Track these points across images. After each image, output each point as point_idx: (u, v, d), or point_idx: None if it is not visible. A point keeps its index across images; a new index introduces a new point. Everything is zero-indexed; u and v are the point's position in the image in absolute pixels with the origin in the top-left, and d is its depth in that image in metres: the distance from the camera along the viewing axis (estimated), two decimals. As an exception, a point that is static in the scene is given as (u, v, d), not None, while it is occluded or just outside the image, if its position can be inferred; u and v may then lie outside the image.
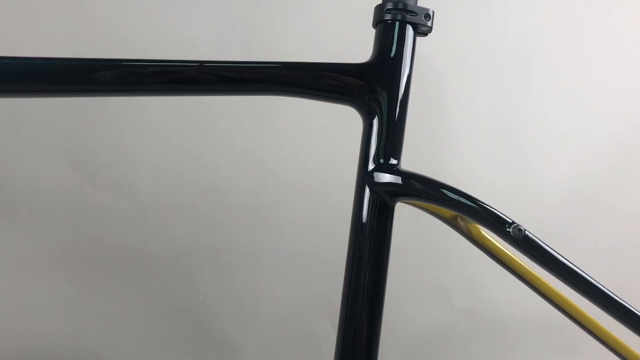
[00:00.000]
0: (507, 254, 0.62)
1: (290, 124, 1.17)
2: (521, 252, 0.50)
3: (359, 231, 0.54)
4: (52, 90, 0.51)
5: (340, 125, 1.15)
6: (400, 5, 0.54)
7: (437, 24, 0.57)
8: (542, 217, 1.31)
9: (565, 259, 0.50)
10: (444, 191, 0.51)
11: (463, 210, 0.50)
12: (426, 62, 1.20)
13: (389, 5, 0.54)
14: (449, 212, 0.59)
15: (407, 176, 0.52)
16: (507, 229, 0.49)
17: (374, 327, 0.54)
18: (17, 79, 0.48)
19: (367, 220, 0.53)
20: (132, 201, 1.11)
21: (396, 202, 0.53)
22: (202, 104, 1.13)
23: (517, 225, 0.49)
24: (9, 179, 1.07)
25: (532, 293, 1.29)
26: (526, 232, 0.49)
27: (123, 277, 1.12)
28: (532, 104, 1.30)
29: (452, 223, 0.60)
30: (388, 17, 0.54)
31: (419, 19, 0.54)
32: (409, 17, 0.53)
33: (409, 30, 0.54)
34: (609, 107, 1.35)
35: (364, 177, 0.54)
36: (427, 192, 0.52)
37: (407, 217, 1.21)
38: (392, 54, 0.53)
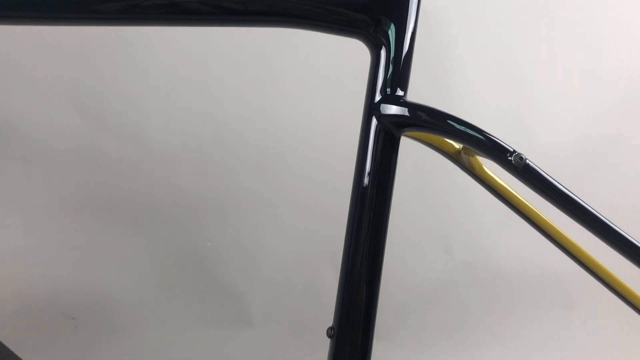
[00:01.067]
0: (509, 190, 0.63)
1: (296, 75, 1.18)
2: (522, 181, 0.51)
3: (364, 163, 0.55)
4: (53, 18, 0.50)
5: (345, 77, 1.16)
6: None
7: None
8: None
9: (565, 188, 0.51)
10: (450, 122, 0.52)
11: (467, 141, 0.51)
12: (433, 15, 1.20)
13: None
14: (452, 147, 0.60)
15: (414, 107, 0.53)
16: (509, 158, 0.50)
17: (375, 263, 0.55)
18: (18, 4, 0.48)
19: (372, 152, 0.54)
20: (140, 149, 1.13)
21: (402, 134, 0.54)
22: (209, 53, 1.14)
23: (519, 154, 0.50)
24: (20, 124, 1.08)
25: (532, 247, 1.31)
26: (527, 160, 0.50)
27: (131, 224, 1.14)
28: (537, 61, 1.30)
29: (455, 158, 0.61)
30: (396, -53, 0.54)
31: (428, -49, 0.54)
32: (417, -52, 0.53)
33: (418, -40, 0.54)
34: (614, 65, 1.35)
35: (371, 109, 0.54)
36: (434, 122, 0.53)
37: (409, 170, 1.22)
38: (400, -16, 0.53)
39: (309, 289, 1.23)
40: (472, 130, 0.51)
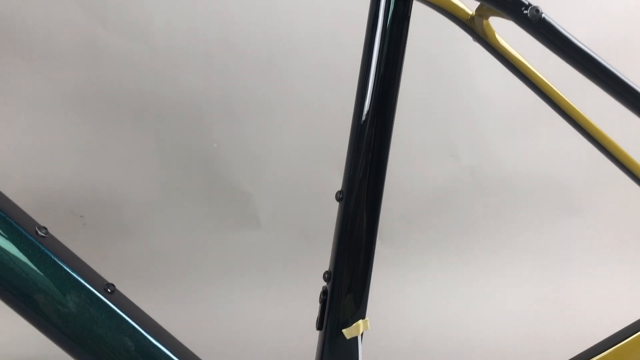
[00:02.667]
0: (520, 60, 0.61)
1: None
2: (537, 38, 0.49)
3: (375, 28, 0.54)
4: None
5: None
6: None
7: None
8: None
9: (582, 45, 0.50)
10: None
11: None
12: None
13: None
14: (465, 13, 0.59)
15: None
16: (524, 11, 0.48)
17: (385, 126, 0.55)
18: None
19: (384, 14, 0.53)
20: (144, 45, 1.11)
21: None
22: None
23: (535, 7, 0.48)
24: (23, 20, 1.06)
25: (539, 152, 1.30)
26: (543, 14, 0.48)
27: (136, 122, 1.14)
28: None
29: (467, 25, 0.59)
30: None
31: None
32: None
33: None
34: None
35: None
36: (447, -23, 0.51)
37: (416, 72, 1.20)
38: None
39: (315, 191, 1.23)
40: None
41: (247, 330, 1.16)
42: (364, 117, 0.54)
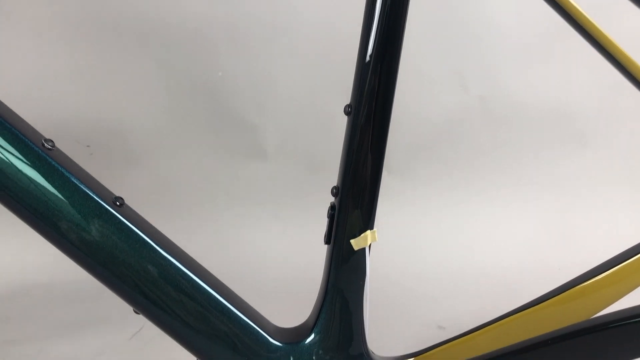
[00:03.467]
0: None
1: None
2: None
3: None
4: None
5: None
6: None
7: None
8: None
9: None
10: None
11: None
12: None
13: None
14: None
15: None
16: None
17: (394, 46, 0.53)
18: None
19: None
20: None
21: None
22: None
23: None
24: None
25: (548, 82, 1.28)
26: None
27: (141, 49, 1.12)
28: None
29: None
30: None
31: None
32: None
33: None
34: None
35: None
36: None
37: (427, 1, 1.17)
38: None
39: (321, 122, 1.22)
40: None
41: (255, 254, 1.17)
42: (373, 29, 0.53)
